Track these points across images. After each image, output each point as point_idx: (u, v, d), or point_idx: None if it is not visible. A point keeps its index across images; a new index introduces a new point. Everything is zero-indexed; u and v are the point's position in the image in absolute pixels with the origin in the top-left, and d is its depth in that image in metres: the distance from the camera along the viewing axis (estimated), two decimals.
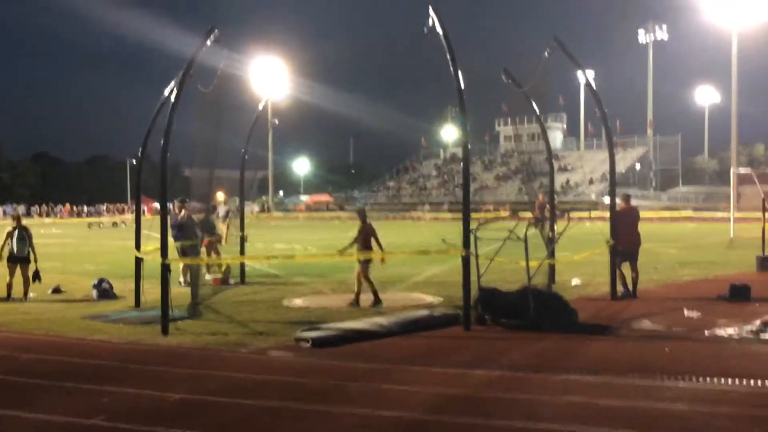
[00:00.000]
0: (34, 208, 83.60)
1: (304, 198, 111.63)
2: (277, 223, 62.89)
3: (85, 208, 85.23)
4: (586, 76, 14.21)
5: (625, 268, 13.95)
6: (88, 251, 28.49)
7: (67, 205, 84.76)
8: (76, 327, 11.30)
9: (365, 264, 13.06)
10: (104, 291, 14.58)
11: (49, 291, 15.15)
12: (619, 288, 13.69)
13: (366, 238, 13.16)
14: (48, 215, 79.28)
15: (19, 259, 14.55)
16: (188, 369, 8.50)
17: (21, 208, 78.45)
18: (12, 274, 14.50)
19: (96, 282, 14.87)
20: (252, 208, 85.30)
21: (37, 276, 14.88)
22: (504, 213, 52.59)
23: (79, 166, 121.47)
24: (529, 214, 18.95)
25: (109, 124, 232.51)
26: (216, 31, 11.17)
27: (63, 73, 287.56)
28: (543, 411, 6.52)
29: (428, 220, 65.33)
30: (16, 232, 14.63)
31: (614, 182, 14.71)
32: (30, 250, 14.69)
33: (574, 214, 32.68)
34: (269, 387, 7.62)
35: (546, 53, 13.80)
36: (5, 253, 14.58)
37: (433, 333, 10.43)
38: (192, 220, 16.21)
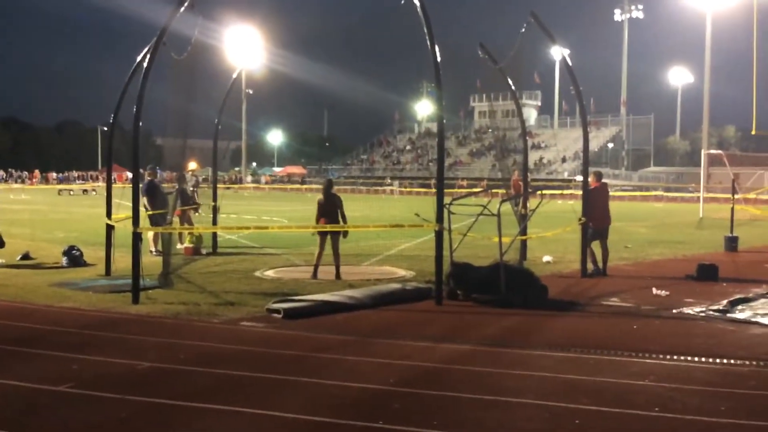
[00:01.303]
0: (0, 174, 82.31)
1: (278, 169, 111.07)
2: (250, 194, 62.67)
3: (55, 175, 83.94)
4: (562, 53, 14.22)
5: (595, 246, 14.08)
6: (58, 218, 28.18)
7: (36, 172, 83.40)
8: (45, 294, 11.20)
9: (338, 236, 13.05)
10: (74, 258, 14.46)
11: (18, 257, 14.98)
12: (590, 265, 13.82)
13: (333, 210, 13.08)
14: (17, 181, 78.06)
15: None
16: (159, 338, 8.47)
17: None
18: None
19: (66, 249, 14.73)
20: (225, 176, 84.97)
21: (1, 241, 14.72)
22: (477, 189, 52.69)
23: (49, 131, 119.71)
24: (502, 191, 19.05)
25: (81, 89, 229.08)
26: None
27: (33, 38, 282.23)
28: (511, 385, 6.59)
29: (397, 195, 65.58)
30: None
31: (587, 160, 14.79)
32: None
33: (547, 192, 32.89)
34: (240, 357, 7.61)
35: (522, 28, 13.79)
36: None
37: (405, 306, 10.47)
38: (162, 189, 16.09)
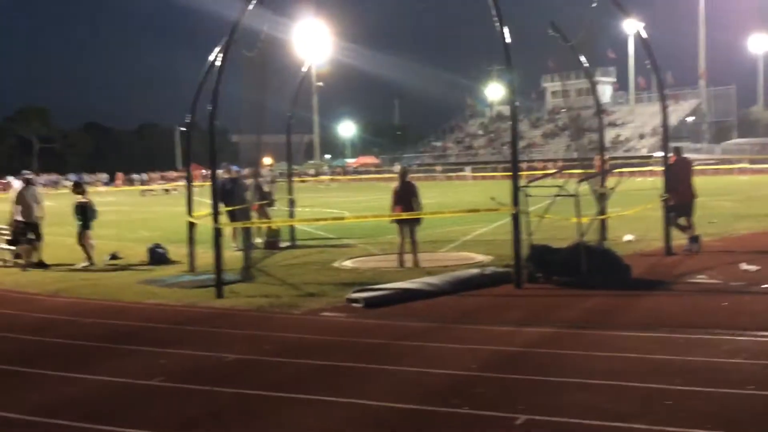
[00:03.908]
0: (87, 176, 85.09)
1: (351, 160, 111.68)
2: (326, 186, 63.28)
3: (136, 176, 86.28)
4: (636, 26, 13.83)
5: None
6: (142, 218, 29.01)
7: (120, 174, 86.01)
8: (133, 291, 11.55)
9: (416, 224, 13.04)
10: (159, 256, 14.85)
11: (106, 257, 15.48)
12: (685, 242, 13.51)
13: (408, 198, 13.07)
14: (101, 183, 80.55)
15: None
16: (243, 330, 8.63)
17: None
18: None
19: (151, 247, 15.14)
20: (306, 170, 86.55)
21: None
22: (552, 170, 51.96)
23: (129, 134, 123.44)
24: (579, 171, 18.67)
25: (158, 92, 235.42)
26: None
27: (110, 42, 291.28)
28: (597, 367, 6.47)
29: (470, 179, 65.38)
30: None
31: (667, 136, 14.38)
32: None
33: (625, 170, 32.16)
34: (323, 347, 7.69)
35: (593, 3, 13.47)
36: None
37: (485, 291, 10.40)
38: (241, 185, 16.34)
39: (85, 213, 14.95)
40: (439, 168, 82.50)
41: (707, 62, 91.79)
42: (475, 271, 11.50)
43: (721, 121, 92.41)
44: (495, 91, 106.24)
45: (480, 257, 13.77)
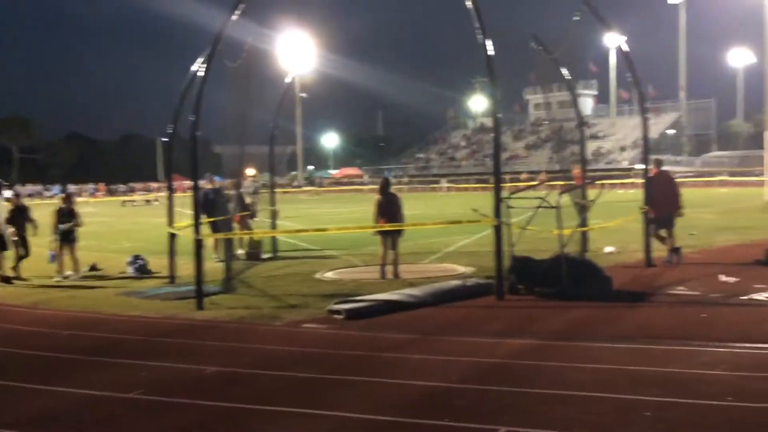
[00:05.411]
0: (73, 187, 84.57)
1: (334, 171, 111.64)
2: (308, 197, 63.20)
3: (121, 186, 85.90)
4: (618, 40, 13.97)
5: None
6: (123, 229, 28.83)
7: (102, 185, 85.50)
8: (113, 303, 11.46)
9: (398, 235, 13.04)
10: (140, 267, 14.76)
11: (86, 269, 15.36)
12: (665, 254, 13.59)
13: (392, 209, 13.07)
14: (82, 194, 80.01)
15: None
16: (223, 342, 8.59)
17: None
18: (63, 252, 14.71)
19: (131, 259, 15.04)
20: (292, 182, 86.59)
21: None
22: (534, 182, 52.13)
23: (112, 145, 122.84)
24: (561, 183, 18.77)
25: (140, 102, 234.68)
26: (242, 4, 11.11)
27: (93, 53, 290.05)
28: (577, 378, 6.49)
29: (444, 192, 65.87)
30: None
31: (647, 148, 14.51)
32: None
33: (606, 182, 32.31)
34: (304, 359, 7.66)
35: (575, 16, 13.58)
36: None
37: (466, 303, 10.41)
38: (223, 196, 16.30)
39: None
40: (405, 179, 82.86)
41: (687, 75, 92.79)
42: (456, 282, 11.51)
43: (701, 134, 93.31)
44: (478, 103, 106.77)
45: (462, 269, 13.79)
